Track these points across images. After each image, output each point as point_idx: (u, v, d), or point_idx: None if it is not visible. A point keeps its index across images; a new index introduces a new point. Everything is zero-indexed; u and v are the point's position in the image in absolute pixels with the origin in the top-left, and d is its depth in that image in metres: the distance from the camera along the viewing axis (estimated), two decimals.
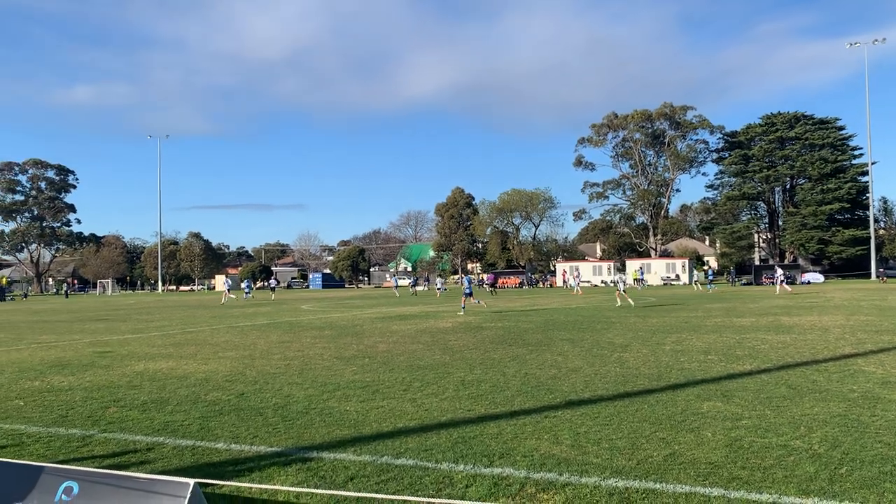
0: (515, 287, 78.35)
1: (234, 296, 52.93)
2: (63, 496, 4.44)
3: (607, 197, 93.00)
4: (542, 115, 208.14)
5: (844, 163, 79.62)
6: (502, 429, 6.90)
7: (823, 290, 43.62)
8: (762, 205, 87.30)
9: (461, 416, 7.58)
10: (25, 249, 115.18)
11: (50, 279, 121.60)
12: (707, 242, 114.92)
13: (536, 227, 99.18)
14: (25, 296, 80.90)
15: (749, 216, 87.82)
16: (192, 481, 3.96)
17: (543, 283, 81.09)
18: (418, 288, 65.11)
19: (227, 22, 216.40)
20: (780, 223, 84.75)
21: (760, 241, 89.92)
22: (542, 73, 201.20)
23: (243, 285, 57.43)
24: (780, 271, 44.94)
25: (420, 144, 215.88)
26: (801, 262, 78.39)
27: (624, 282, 33.22)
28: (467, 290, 28.60)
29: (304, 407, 8.26)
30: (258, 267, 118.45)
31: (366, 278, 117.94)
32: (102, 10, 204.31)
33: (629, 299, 30.83)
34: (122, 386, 10.30)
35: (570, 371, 10.73)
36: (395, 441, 6.50)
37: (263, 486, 5.08)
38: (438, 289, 56.09)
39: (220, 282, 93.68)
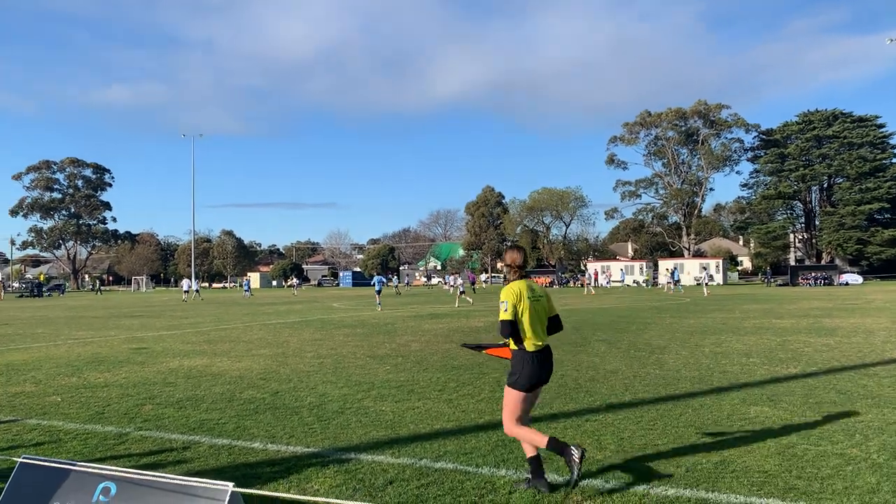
0: (546, 286, 77.86)
1: (296, 292, 53.28)
2: (101, 497, 4.37)
3: (640, 196, 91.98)
4: (572, 113, 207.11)
5: (884, 161, 77.69)
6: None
7: (863, 292, 42.61)
8: (798, 204, 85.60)
9: (499, 418, 7.38)
10: (62, 246, 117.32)
11: (86, 276, 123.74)
12: (741, 242, 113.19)
13: (567, 226, 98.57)
14: (63, 292, 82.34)
15: (785, 216, 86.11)
16: (230, 486, 3.85)
17: (574, 283, 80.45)
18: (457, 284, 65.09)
19: (257, 23, 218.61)
20: (817, 223, 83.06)
21: (796, 241, 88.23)
22: (571, 72, 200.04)
23: (244, 285, 59.58)
24: (704, 273, 46.59)
25: (449, 143, 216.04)
26: (838, 262, 76.74)
27: (710, 276, 34.57)
28: (461, 289, 33.76)
29: (339, 406, 8.16)
30: (289, 265, 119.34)
31: (395, 277, 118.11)
32: (135, 12, 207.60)
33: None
34: (157, 383, 10.31)
35: (608, 373, 10.50)
36: (434, 443, 6.35)
37: (299, 498, 4.97)
38: (452, 286, 57.18)
39: (254, 279, 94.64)
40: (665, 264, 73.98)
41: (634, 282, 76.10)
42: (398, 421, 7.33)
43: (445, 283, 65.74)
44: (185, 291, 53.24)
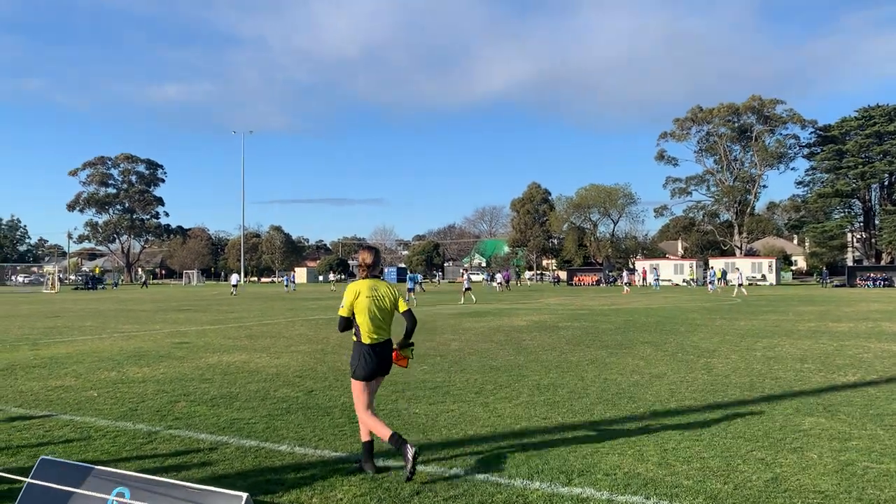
0: (592, 285, 76.86)
1: (334, 287, 53.72)
2: (115, 501, 4.23)
3: (690, 193, 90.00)
4: (619, 109, 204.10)
5: None
6: (581, 441, 6.39)
7: None
8: (857, 202, 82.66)
9: (536, 424, 7.11)
10: (117, 240, 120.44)
11: (139, 269, 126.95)
12: (795, 241, 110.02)
13: (615, 223, 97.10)
14: (116, 285, 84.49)
15: (842, 214, 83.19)
16: (244, 496, 3.65)
17: (621, 281, 79.24)
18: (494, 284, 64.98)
19: (305, 21, 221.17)
20: (877, 222, 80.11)
21: (854, 240, 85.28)
22: (618, 67, 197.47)
23: (285, 280, 61.71)
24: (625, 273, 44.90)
25: (495, 139, 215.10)
26: None
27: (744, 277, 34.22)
28: (410, 286, 34.46)
29: None
30: (335, 260, 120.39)
31: (440, 273, 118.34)
32: (187, 11, 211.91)
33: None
34: (194, 379, 10.27)
35: (653, 378, 10.09)
36: (466, 450, 6.08)
37: None
38: (500, 283, 58.10)
39: (301, 273, 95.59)
40: (715, 263, 72.30)
41: (684, 281, 74.58)
42: (430, 425, 7.08)
43: (487, 281, 65.32)
44: (234, 285, 54.25)
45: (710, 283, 52.13)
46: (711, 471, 5.42)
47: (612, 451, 6.03)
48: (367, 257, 5.66)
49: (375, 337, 5.49)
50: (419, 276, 38.53)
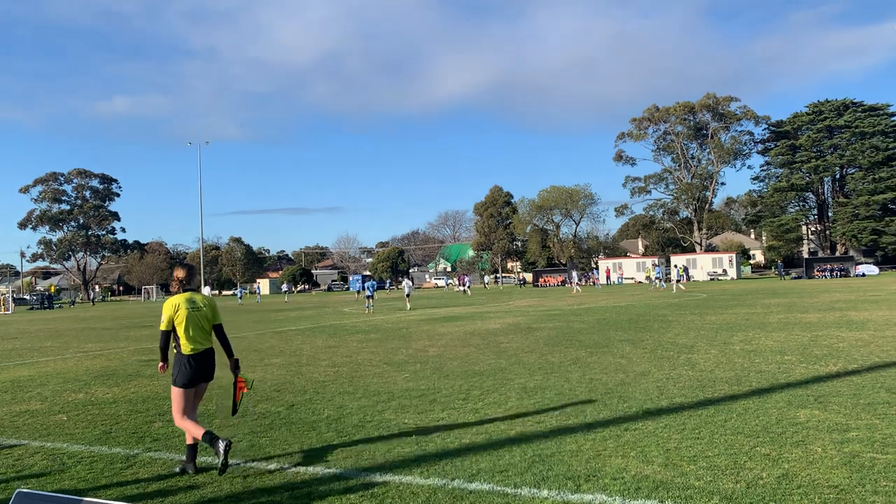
0: (558, 285, 77.20)
1: (287, 299, 52.83)
2: None
3: (649, 191, 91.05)
4: (576, 110, 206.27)
5: None
6: (580, 444, 6.23)
7: (882, 283, 41.85)
8: (811, 196, 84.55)
9: (531, 429, 6.92)
10: (72, 258, 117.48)
11: (97, 286, 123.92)
12: (753, 236, 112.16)
13: (577, 224, 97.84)
14: (73, 303, 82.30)
15: (797, 208, 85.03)
16: None
17: (585, 281, 79.80)
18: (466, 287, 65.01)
19: (257, 30, 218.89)
20: (830, 214, 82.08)
21: (809, 233, 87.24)
22: (572, 70, 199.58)
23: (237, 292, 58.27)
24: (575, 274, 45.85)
25: (455, 144, 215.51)
26: (853, 253, 75.76)
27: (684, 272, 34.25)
28: (369, 293, 33.61)
29: (359, 420, 7.69)
30: (298, 270, 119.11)
31: (404, 279, 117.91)
32: (135, 24, 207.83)
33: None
34: (166, 397, 9.86)
35: (638, 375, 10.00)
36: (465, 460, 5.86)
37: None
38: (468, 286, 59.13)
39: (264, 285, 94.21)
40: (676, 260, 73.28)
41: (647, 278, 75.34)
42: (423, 434, 6.85)
43: (458, 286, 65.29)
44: (288, 291, 54.64)
45: (656, 279, 53.39)
46: (720, 469, 5.29)
47: (615, 453, 5.87)
48: (180, 273, 6.12)
49: (195, 346, 5.89)
50: (375, 283, 39.13)
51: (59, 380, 12.23)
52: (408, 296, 36.81)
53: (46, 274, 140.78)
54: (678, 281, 45.43)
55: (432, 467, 5.68)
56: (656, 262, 66.43)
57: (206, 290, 55.78)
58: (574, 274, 59.87)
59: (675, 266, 58.69)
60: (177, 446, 6.81)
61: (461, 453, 6.10)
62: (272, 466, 5.94)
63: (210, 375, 6.05)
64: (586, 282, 78.70)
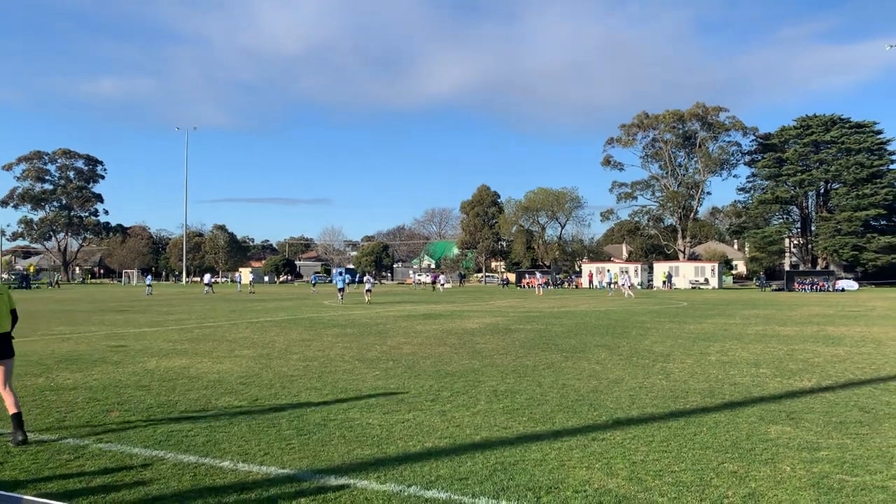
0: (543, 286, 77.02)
1: (253, 290, 52.17)
2: None
3: (636, 198, 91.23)
4: (566, 114, 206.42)
5: (881, 167, 77.20)
6: (545, 453, 6.06)
7: (861, 299, 42.11)
8: (795, 209, 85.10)
9: (497, 434, 6.75)
10: (53, 238, 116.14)
11: (77, 268, 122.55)
12: (736, 246, 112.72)
13: (563, 226, 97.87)
14: (51, 284, 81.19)
15: (781, 220, 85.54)
16: None
17: (569, 284, 79.87)
18: (446, 285, 64.90)
19: (248, 18, 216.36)
20: (813, 228, 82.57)
21: (791, 246, 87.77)
22: (563, 74, 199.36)
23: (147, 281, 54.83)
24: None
25: (444, 141, 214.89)
26: (833, 268, 76.29)
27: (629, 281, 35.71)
28: (340, 286, 36.56)
29: (322, 418, 7.48)
30: (282, 260, 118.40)
31: (389, 274, 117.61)
32: (125, 5, 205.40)
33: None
34: (129, 386, 9.62)
35: (611, 383, 9.85)
36: (425, 465, 5.67)
37: None
38: (442, 285, 59.55)
39: (245, 274, 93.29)
40: (660, 267, 73.51)
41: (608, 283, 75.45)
42: (386, 437, 6.65)
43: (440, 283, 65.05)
44: (208, 284, 53.98)
45: (609, 284, 55.01)
46: (685, 486, 5.14)
47: (580, 464, 5.71)
48: None
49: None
50: (347, 277, 40.10)
51: (21, 362, 11.87)
52: (368, 291, 37.57)
53: (26, 253, 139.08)
54: (630, 286, 47.34)
55: (390, 472, 5.49)
56: (625, 270, 67.10)
57: (206, 277, 55.41)
58: (539, 275, 59.90)
59: (624, 272, 60.54)
60: (130, 438, 6.58)
61: (422, 458, 5.91)
62: (225, 464, 5.72)
63: (8, 354, 6.62)
64: (569, 285, 78.79)
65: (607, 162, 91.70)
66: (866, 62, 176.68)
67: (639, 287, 71.54)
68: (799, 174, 79.10)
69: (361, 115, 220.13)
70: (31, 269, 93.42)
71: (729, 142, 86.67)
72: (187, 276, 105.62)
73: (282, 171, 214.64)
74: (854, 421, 7.39)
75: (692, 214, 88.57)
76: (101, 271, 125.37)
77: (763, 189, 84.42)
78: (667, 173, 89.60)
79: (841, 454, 6.04)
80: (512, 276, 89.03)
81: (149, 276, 56.61)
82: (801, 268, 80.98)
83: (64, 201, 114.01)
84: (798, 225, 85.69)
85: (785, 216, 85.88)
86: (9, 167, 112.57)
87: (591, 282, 75.21)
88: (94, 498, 4.87)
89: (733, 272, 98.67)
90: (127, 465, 5.70)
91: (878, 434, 6.80)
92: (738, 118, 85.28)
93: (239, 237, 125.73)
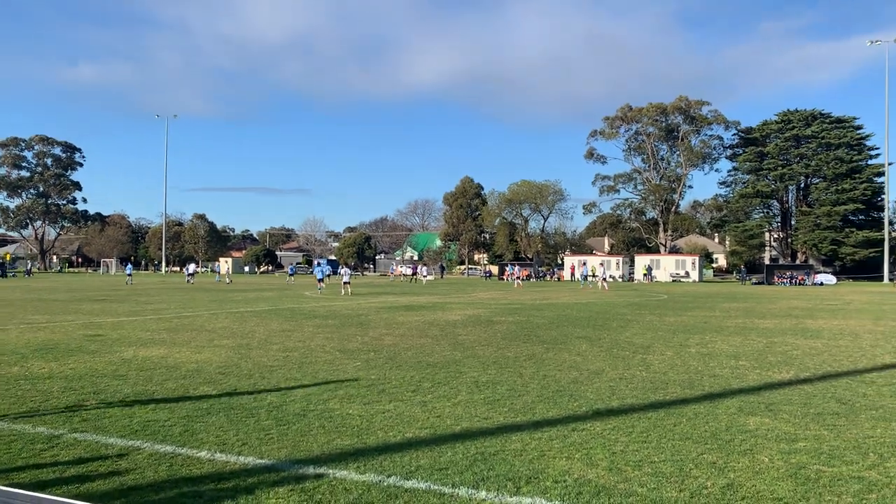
0: (523, 279, 77.24)
1: (230, 280, 51.98)
2: None
3: (618, 191, 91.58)
4: (549, 106, 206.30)
5: (860, 163, 78.09)
6: (526, 444, 6.05)
7: (838, 293, 42.60)
8: (775, 203, 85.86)
9: (478, 425, 6.73)
10: (30, 226, 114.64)
11: (55, 257, 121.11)
12: (717, 240, 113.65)
13: (545, 219, 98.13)
14: (27, 273, 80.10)
15: (761, 214, 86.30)
16: None
17: (551, 277, 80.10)
18: (429, 277, 64.90)
19: (229, 5, 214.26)
20: (793, 222, 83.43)
21: (771, 240, 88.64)
22: (546, 66, 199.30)
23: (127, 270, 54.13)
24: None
25: (427, 132, 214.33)
26: (812, 262, 77.15)
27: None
28: (319, 276, 38.49)
29: (301, 408, 7.42)
30: (262, 251, 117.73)
31: (371, 266, 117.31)
32: None
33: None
34: (106, 375, 9.50)
35: (592, 374, 9.87)
36: (405, 456, 5.64)
37: None
38: (424, 276, 59.66)
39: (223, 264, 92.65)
40: (641, 260, 73.89)
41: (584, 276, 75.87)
42: (366, 427, 6.62)
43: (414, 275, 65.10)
44: (191, 274, 53.53)
45: (581, 278, 56.03)
46: (665, 476, 5.15)
47: (560, 454, 5.70)
48: None
49: None
50: (328, 268, 40.58)
51: None
52: (346, 283, 36.90)
53: (3, 241, 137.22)
54: (604, 279, 48.58)
55: (370, 462, 5.45)
56: (602, 263, 67.58)
57: (190, 268, 54.92)
58: (516, 269, 59.97)
59: (595, 266, 61.39)
60: (106, 427, 6.49)
61: (402, 448, 5.88)
62: (203, 454, 5.65)
63: None
64: (551, 278, 79.02)
65: (590, 155, 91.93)
66: (846, 58, 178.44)
67: (620, 280, 71.95)
68: (780, 168, 79.75)
69: (344, 105, 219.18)
70: (8, 258, 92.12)
71: (711, 135, 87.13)
72: (167, 265, 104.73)
73: (263, 161, 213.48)
74: (831, 412, 7.45)
75: (674, 208, 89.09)
76: (80, 260, 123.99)
77: (744, 183, 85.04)
78: (649, 166, 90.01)
79: (818, 445, 6.09)
80: (495, 269, 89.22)
81: (129, 266, 56.02)
82: (781, 262, 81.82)
83: (41, 189, 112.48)
84: (778, 219, 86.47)
85: (765, 210, 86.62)
86: None
87: (573, 274, 75.50)
88: (69, 488, 4.79)
89: (714, 265, 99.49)
90: (102, 454, 5.62)
91: (855, 425, 6.86)
92: (720, 112, 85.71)
93: (219, 227, 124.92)
